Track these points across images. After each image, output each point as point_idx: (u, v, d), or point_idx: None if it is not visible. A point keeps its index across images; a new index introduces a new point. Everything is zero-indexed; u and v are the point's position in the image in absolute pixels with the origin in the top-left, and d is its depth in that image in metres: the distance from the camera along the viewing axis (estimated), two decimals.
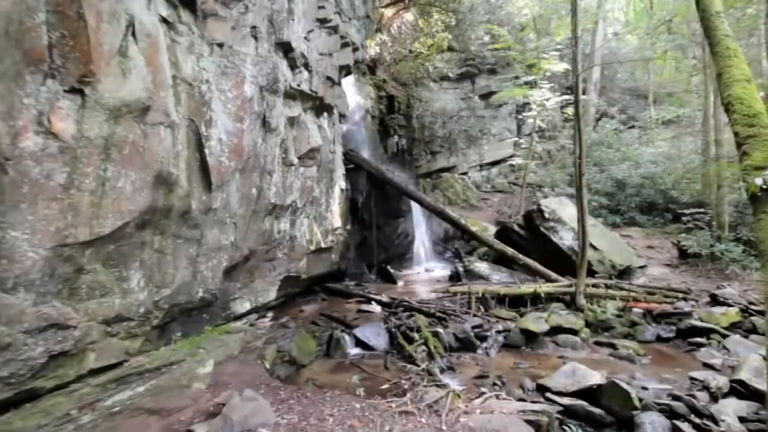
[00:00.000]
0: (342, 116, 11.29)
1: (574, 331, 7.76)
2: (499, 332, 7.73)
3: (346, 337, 6.98)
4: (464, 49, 20.32)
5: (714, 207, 11.03)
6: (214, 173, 5.05)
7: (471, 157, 22.34)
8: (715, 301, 8.65)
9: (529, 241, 12.09)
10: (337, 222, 9.53)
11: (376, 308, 8.46)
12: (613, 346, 7.33)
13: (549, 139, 22.30)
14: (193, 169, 4.81)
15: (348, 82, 14.54)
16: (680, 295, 8.99)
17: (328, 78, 8.04)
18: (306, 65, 7.09)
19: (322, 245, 8.96)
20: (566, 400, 5.27)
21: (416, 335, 6.93)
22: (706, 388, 5.65)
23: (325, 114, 8.54)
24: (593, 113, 22.05)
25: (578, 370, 5.75)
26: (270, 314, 8.13)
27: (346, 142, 12.62)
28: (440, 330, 7.33)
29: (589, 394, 5.36)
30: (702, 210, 12.04)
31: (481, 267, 11.19)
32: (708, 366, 6.52)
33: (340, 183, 10.24)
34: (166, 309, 4.76)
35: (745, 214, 12.12)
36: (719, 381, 5.63)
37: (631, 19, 29.18)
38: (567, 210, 12.04)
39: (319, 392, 4.88)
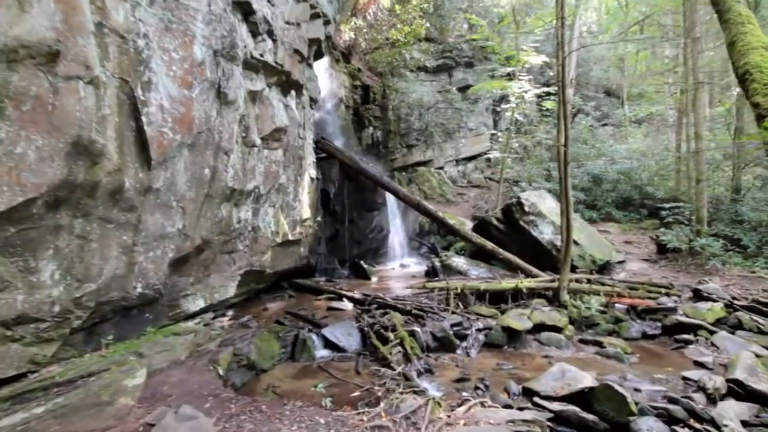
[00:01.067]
0: (313, 101, 10.54)
1: (558, 329, 7.31)
2: (479, 330, 7.19)
3: (314, 338, 6.28)
4: (442, 40, 19.84)
5: (694, 202, 10.86)
6: (155, 146, 4.25)
7: (447, 151, 21.96)
8: (698, 296, 8.38)
9: (507, 235, 11.66)
10: (307, 213, 8.79)
11: (347, 306, 7.79)
12: (599, 344, 6.90)
13: (525, 134, 22.13)
14: (127, 139, 4.00)
15: (321, 68, 13.77)
16: (663, 290, 8.69)
17: (296, 51, 7.28)
18: (270, 33, 6.32)
19: (290, 237, 8.21)
20: (556, 406, 4.75)
21: (391, 335, 6.30)
22: (701, 389, 5.24)
23: (293, 93, 7.78)
24: (569, 109, 21.98)
25: (568, 372, 5.25)
26: (230, 313, 7.34)
27: (318, 131, 11.87)
28: (417, 329, 6.73)
29: (580, 398, 4.85)
30: (680, 204, 11.90)
31: (459, 262, 10.67)
32: (699, 365, 6.15)
33: (311, 171, 9.50)
34: (92, 307, 3.95)
35: (721, 210, 12.09)
36: (716, 381, 5.23)
37: (603, 20, 29.43)
38: (546, 203, 11.67)
39: (277, 404, 4.17)
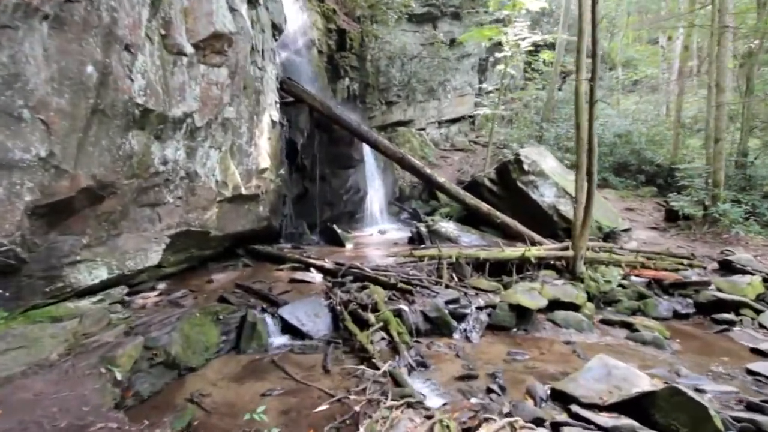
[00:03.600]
0: (277, 29, 8.58)
1: (575, 307, 5.98)
2: (480, 309, 5.78)
3: (268, 320, 4.69)
4: None
5: (711, 162, 9.61)
6: None
7: (429, 112, 20.29)
8: (727, 268, 7.18)
9: (501, 198, 10.21)
10: (266, 162, 7.03)
11: (315, 277, 6.20)
12: (628, 326, 5.61)
13: (514, 94, 20.61)
14: None
15: (290, 0, 11.67)
16: (684, 261, 7.46)
17: None
18: None
19: (243, 191, 6.47)
20: (606, 419, 3.36)
21: (371, 316, 4.77)
22: None
23: None
24: (558, 72, 20.46)
25: (614, 369, 3.88)
26: (161, 286, 5.65)
27: (285, 74, 9.92)
28: (404, 307, 5.24)
29: (637, 406, 3.48)
30: (691, 167, 10.70)
31: (448, 227, 9.18)
32: (759, 353, 4.92)
33: (272, 113, 7.66)
34: None
35: (728, 176, 10.89)
36: None
37: None
38: (548, 162, 10.24)
39: None
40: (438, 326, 5.29)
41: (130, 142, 3.95)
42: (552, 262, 6.93)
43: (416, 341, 4.92)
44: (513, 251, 6.78)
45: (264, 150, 7.04)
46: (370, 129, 10.04)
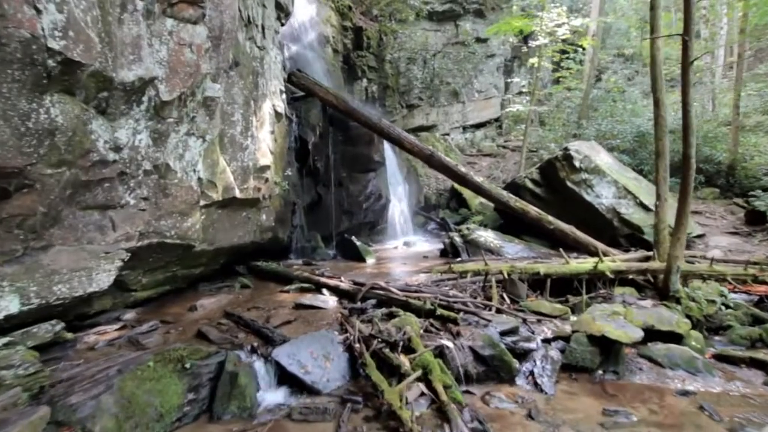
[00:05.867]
0: (283, 12, 7.41)
1: (676, 337, 4.43)
2: (547, 341, 4.30)
3: (258, 367, 3.32)
4: None
5: None
6: None
7: (453, 116, 19.03)
8: None
9: (546, 202, 8.69)
10: (266, 158, 5.77)
11: (328, 301, 4.82)
12: (761, 364, 4.02)
13: (540, 100, 19.14)
14: None
15: None
16: None
17: None
18: None
19: (238, 194, 5.20)
20: None
21: (404, 360, 3.35)
22: None
23: None
24: (593, 68, 18.91)
25: None
26: (129, 316, 4.38)
27: (296, 67, 8.77)
28: (447, 343, 3.81)
29: None
30: None
31: (488, 237, 7.72)
32: None
33: (276, 102, 6.44)
34: None
35: None
36: None
37: None
38: (602, 157, 8.71)
39: None
40: (495, 368, 3.83)
41: (48, 111, 2.70)
42: (630, 277, 5.38)
43: (466, 391, 3.48)
44: (580, 263, 5.27)
45: (265, 144, 5.79)
46: (392, 124, 8.71)
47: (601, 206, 7.99)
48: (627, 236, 7.90)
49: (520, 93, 19.14)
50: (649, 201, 8.03)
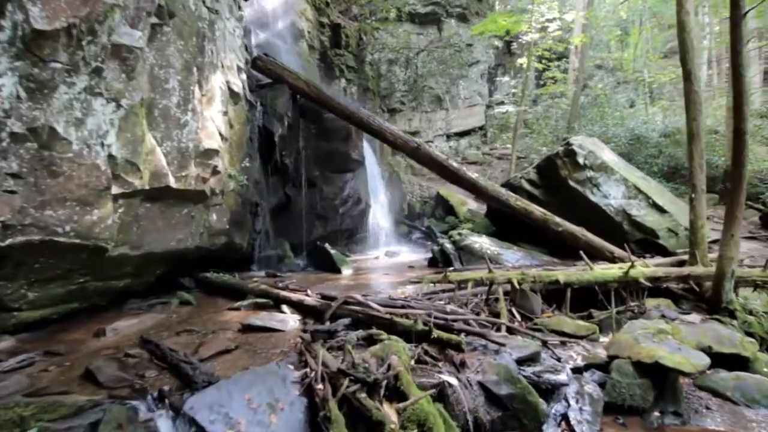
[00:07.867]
0: None
1: (741, 361, 3.40)
2: (578, 370, 3.23)
3: (160, 426, 2.11)
4: None
5: None
6: None
7: (437, 123, 18.35)
8: None
9: (545, 203, 7.66)
10: (213, 141, 4.62)
11: (287, 321, 3.65)
12: None
13: (527, 106, 18.54)
14: None
15: None
16: None
17: None
18: None
19: (173, 183, 4.03)
20: None
21: (389, 411, 2.19)
22: None
23: None
24: (583, 69, 18.44)
25: None
26: (6, 344, 3.16)
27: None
28: (449, 379, 2.71)
29: None
30: None
31: (483, 243, 6.69)
32: None
33: (232, 79, 5.33)
34: None
35: None
36: None
37: None
38: (607, 154, 7.82)
39: None
40: (515, 413, 2.75)
41: None
42: (665, 286, 4.37)
43: None
44: (606, 270, 4.25)
45: (212, 124, 4.64)
46: (373, 113, 7.68)
47: (608, 208, 7.05)
48: (639, 241, 6.96)
49: (502, 103, 18.55)
50: (662, 202, 7.16)
